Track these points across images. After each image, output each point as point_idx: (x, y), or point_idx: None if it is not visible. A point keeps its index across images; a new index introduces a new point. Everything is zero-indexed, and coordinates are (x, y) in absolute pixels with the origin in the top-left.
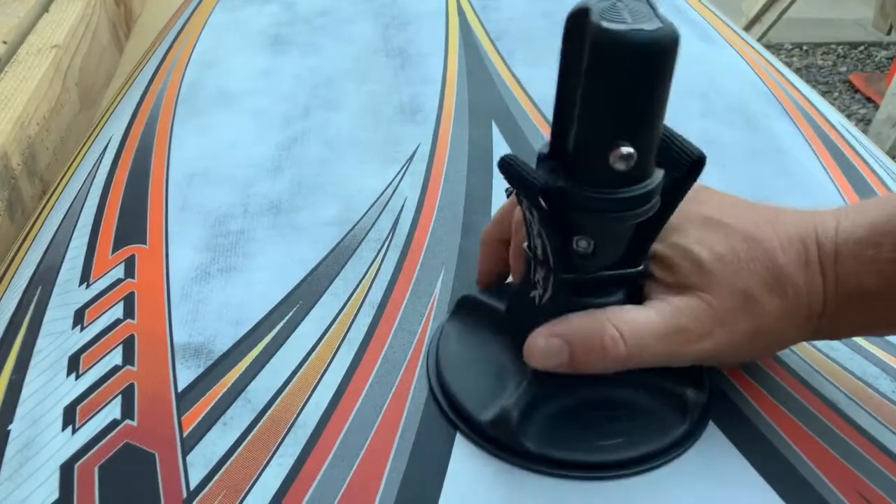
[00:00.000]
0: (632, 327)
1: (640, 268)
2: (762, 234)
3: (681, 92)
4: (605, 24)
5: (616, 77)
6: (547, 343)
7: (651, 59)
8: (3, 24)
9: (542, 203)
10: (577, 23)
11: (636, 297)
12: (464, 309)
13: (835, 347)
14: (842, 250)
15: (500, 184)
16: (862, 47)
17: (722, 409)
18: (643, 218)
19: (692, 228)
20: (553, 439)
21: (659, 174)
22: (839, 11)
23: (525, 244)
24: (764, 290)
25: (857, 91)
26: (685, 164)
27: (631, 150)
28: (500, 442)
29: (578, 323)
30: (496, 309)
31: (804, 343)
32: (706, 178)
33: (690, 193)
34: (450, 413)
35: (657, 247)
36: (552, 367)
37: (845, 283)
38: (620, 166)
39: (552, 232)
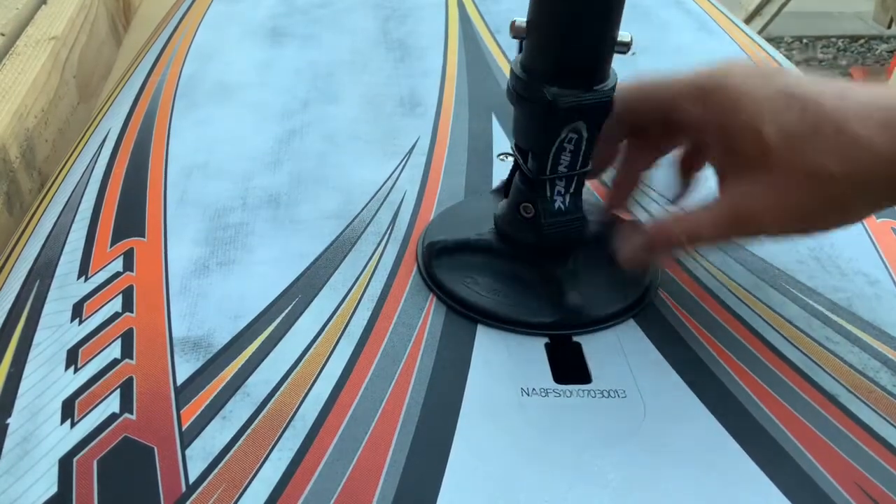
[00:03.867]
0: (691, 225)
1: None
2: (842, 108)
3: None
4: None
5: None
6: (632, 240)
7: None
8: (1, 16)
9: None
10: None
11: None
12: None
13: (835, 341)
14: None
15: (499, 177)
16: (862, 40)
17: (721, 402)
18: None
19: (765, 100)
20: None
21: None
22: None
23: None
24: (832, 160)
25: None
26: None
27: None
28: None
29: (667, 229)
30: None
31: (804, 335)
32: (708, 171)
33: (763, 70)
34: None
35: (728, 122)
36: (639, 257)
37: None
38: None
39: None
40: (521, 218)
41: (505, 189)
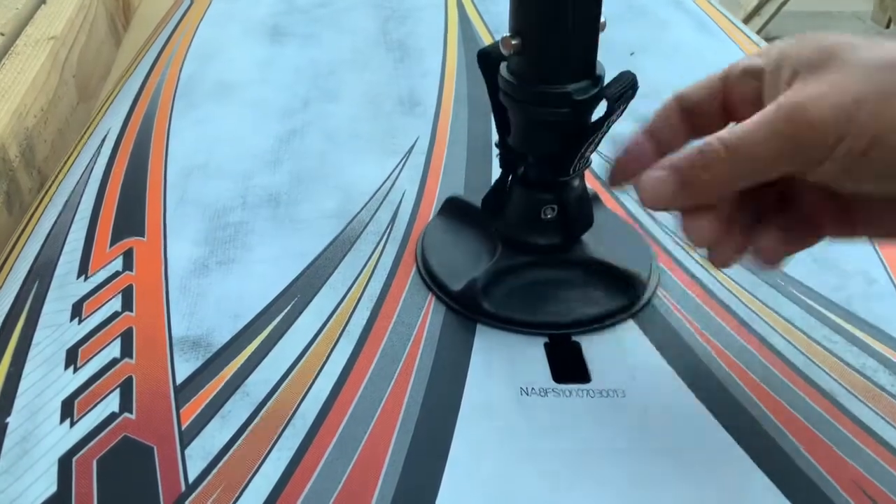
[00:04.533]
0: (734, 133)
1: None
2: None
3: (680, 84)
4: None
5: None
6: (653, 174)
7: None
8: (0, 16)
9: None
10: None
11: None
12: (448, 207)
13: (834, 340)
14: None
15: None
16: None
17: (719, 401)
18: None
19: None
20: (510, 305)
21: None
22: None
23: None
24: (886, 51)
25: None
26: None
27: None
28: (468, 305)
29: (684, 153)
30: (476, 207)
31: (802, 335)
32: None
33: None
34: (430, 284)
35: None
36: (666, 200)
37: None
38: (505, 51)
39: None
40: (544, 221)
41: (495, 199)
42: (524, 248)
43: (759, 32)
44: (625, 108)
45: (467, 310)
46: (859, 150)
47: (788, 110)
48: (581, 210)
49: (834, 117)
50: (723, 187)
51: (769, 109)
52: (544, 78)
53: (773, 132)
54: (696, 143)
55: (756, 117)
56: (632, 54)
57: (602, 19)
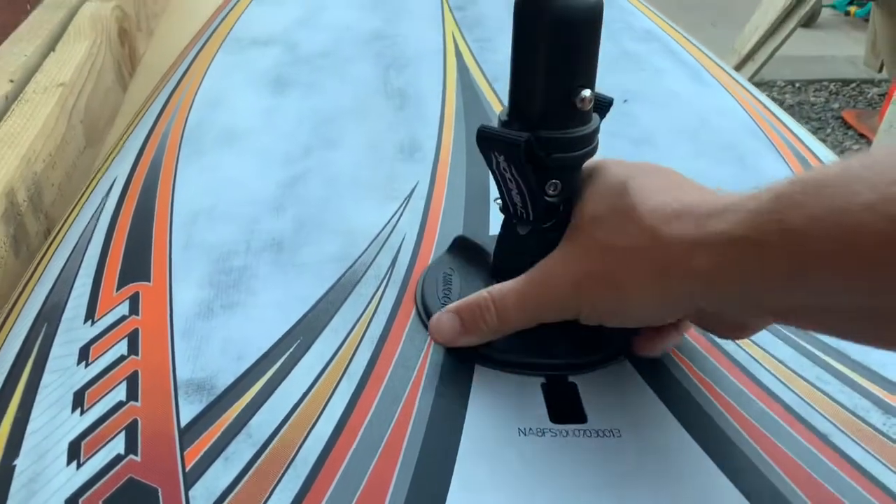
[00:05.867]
0: (502, 298)
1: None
2: (654, 202)
3: (674, 132)
4: None
5: (572, 37)
6: (443, 318)
7: (591, 15)
8: (10, 63)
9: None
10: (530, 4)
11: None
12: (457, 245)
13: (827, 381)
14: (721, 207)
15: (496, 221)
16: (854, 84)
17: (715, 442)
18: (594, 151)
19: (599, 188)
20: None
21: (596, 115)
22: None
23: (499, 204)
24: (616, 238)
25: (849, 127)
26: (605, 108)
27: (589, 92)
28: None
29: (467, 299)
30: (483, 248)
31: (796, 376)
32: None
33: (628, 163)
34: (425, 320)
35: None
36: (452, 339)
37: (706, 231)
38: (583, 106)
39: (532, 182)
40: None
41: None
42: None
43: (753, 77)
44: (518, 169)
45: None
46: (596, 319)
47: (536, 285)
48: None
49: (563, 298)
50: (498, 334)
51: (524, 279)
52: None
53: (526, 300)
54: (481, 291)
55: (515, 285)
56: (625, 101)
57: (588, 93)
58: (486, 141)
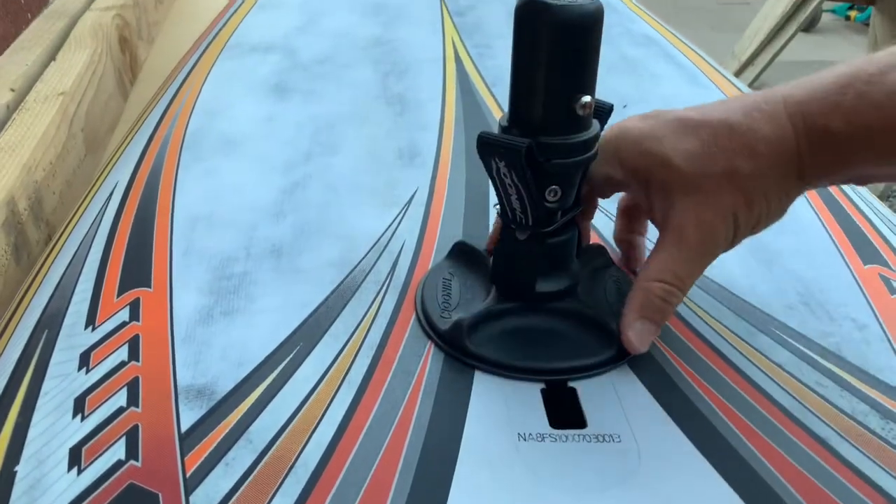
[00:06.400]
0: (669, 271)
1: (580, 207)
2: (725, 115)
3: None
4: (550, 1)
5: (572, 44)
6: (636, 328)
7: (589, 23)
8: (11, 72)
9: (518, 164)
10: (530, 10)
11: (579, 230)
12: (456, 251)
13: (825, 385)
14: (807, 100)
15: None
16: None
17: (714, 447)
18: (594, 158)
19: (663, 134)
20: (507, 351)
21: (596, 122)
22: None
23: (498, 210)
24: (738, 160)
25: None
26: (605, 114)
27: (588, 98)
28: (454, 345)
29: (639, 301)
30: (482, 253)
31: (794, 380)
32: None
33: (653, 111)
34: (428, 331)
35: (635, 160)
36: (654, 339)
37: (812, 126)
38: (583, 112)
39: (532, 188)
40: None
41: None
42: (509, 290)
43: (753, 82)
44: (519, 174)
45: (454, 349)
46: (746, 236)
47: (698, 242)
48: (558, 260)
49: (726, 237)
50: (679, 304)
51: (675, 241)
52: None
53: (691, 257)
54: (644, 286)
55: (673, 251)
56: (625, 107)
57: (588, 99)
58: (487, 147)
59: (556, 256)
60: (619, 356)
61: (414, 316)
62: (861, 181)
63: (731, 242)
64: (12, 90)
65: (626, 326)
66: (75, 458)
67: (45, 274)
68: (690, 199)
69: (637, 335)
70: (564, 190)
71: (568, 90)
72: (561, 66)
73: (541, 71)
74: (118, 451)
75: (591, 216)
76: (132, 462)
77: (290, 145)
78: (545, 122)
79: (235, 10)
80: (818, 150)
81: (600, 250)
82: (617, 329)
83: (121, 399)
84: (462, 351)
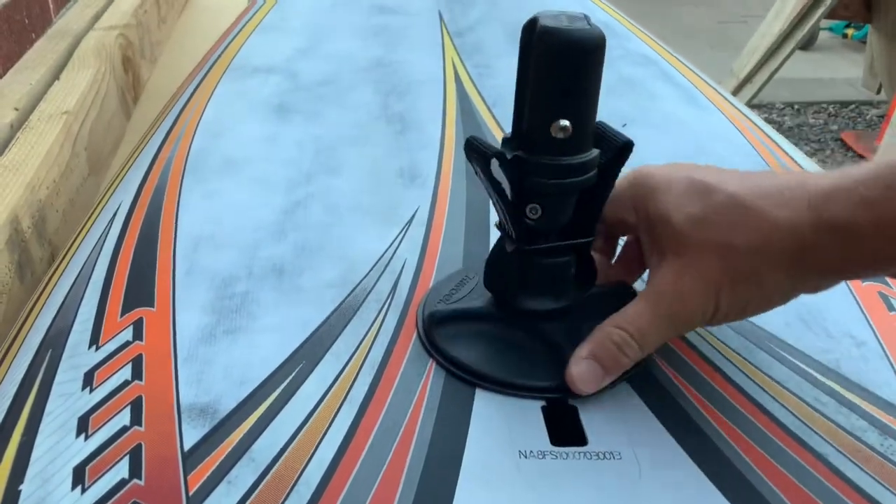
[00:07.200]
0: (633, 324)
1: (591, 238)
2: (741, 189)
3: (671, 156)
4: (546, 24)
5: (552, 65)
6: (581, 366)
7: (578, 50)
8: (15, 91)
9: (492, 172)
10: (526, 28)
11: (587, 260)
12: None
13: (824, 402)
14: (832, 191)
15: None
16: (853, 106)
17: (715, 464)
18: (580, 184)
19: (675, 191)
20: (507, 369)
21: (595, 151)
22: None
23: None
24: (736, 236)
25: (848, 149)
26: (615, 148)
27: (566, 123)
28: (425, 332)
29: (595, 340)
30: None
31: (794, 397)
32: None
33: (678, 164)
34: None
35: (647, 210)
36: (597, 386)
37: (828, 216)
38: (559, 135)
39: (505, 197)
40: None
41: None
42: (508, 308)
43: (752, 99)
44: (489, 181)
45: (425, 337)
46: (732, 317)
47: (670, 303)
48: (553, 278)
49: (702, 307)
50: (637, 360)
51: (650, 298)
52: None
53: (660, 318)
54: (606, 329)
55: (644, 306)
56: (624, 125)
57: (565, 124)
58: (468, 148)
59: (546, 277)
60: (559, 390)
61: (415, 335)
62: (891, 274)
63: (711, 319)
64: (16, 109)
65: (573, 362)
66: (79, 477)
67: (49, 293)
68: (677, 263)
69: (580, 373)
70: (546, 210)
71: (548, 111)
72: (544, 87)
73: (527, 89)
74: (122, 469)
75: (609, 253)
76: (135, 481)
77: (291, 166)
78: (527, 139)
79: (238, 32)
80: (837, 243)
81: (628, 292)
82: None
83: (124, 418)
84: (428, 340)
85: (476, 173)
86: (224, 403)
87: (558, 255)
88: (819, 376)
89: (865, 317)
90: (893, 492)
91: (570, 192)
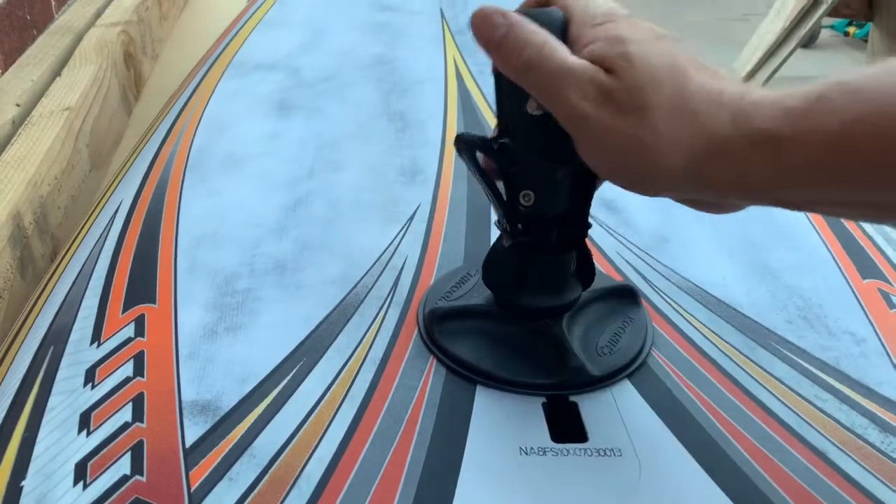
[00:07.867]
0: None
1: (585, 231)
2: (691, 64)
3: None
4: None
5: None
6: (494, 17)
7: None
8: (17, 88)
9: (481, 163)
10: None
11: (587, 257)
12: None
13: (824, 399)
14: (757, 99)
15: None
16: None
17: (714, 460)
18: (567, 165)
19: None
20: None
21: None
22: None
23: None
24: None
25: None
26: None
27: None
28: (427, 329)
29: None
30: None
31: (794, 394)
32: (700, 234)
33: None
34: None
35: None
36: (488, 38)
37: (749, 124)
38: (536, 112)
39: (491, 188)
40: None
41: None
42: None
43: None
44: (476, 169)
45: (426, 334)
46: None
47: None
48: (550, 277)
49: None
50: (525, 75)
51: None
52: None
53: (560, 68)
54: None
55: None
56: None
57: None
58: (458, 143)
59: (546, 274)
60: (621, 371)
61: (416, 331)
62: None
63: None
64: (18, 105)
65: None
66: (81, 473)
67: (51, 290)
68: (597, 31)
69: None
70: (539, 195)
71: (523, 92)
72: None
73: (502, 75)
74: (123, 465)
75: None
76: (137, 477)
77: (292, 163)
78: (508, 125)
79: (240, 29)
80: (757, 155)
81: (628, 291)
82: (572, 367)
83: (126, 414)
84: (429, 337)
85: (469, 169)
86: (225, 400)
87: (563, 252)
88: (819, 373)
89: (866, 314)
90: (893, 488)
91: (560, 174)
